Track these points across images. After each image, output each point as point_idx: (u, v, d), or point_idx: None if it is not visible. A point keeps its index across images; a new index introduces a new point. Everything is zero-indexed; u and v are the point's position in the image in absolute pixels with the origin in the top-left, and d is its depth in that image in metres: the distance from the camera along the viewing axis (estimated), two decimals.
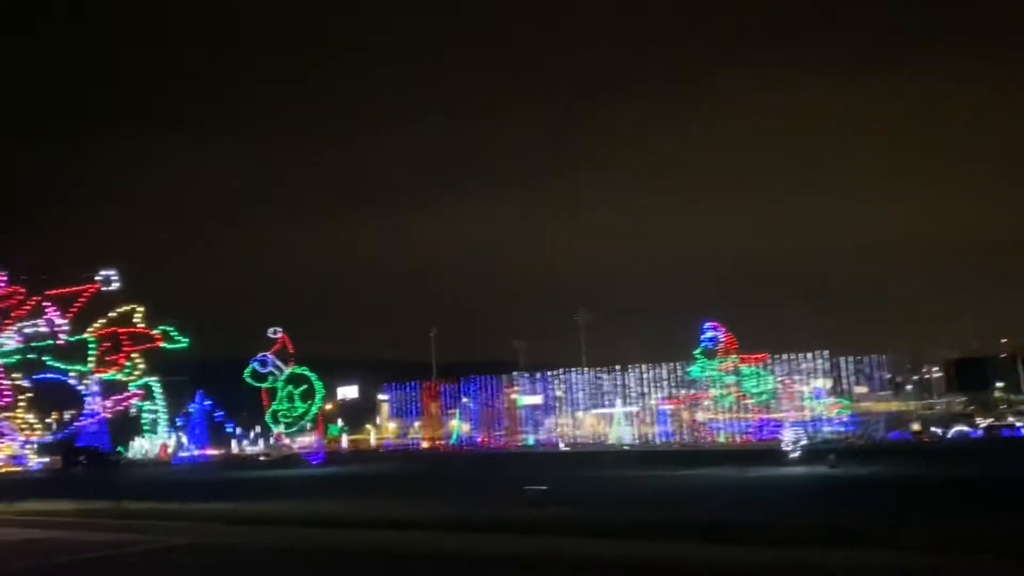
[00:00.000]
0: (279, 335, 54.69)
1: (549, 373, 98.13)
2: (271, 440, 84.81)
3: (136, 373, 28.76)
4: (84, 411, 28.95)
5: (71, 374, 28.69)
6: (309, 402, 55.96)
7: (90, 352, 28.69)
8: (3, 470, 28.35)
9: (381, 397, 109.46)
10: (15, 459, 28.71)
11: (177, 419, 72.71)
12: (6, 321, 28.84)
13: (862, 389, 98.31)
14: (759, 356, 56.22)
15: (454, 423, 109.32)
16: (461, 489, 28.12)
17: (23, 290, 28.72)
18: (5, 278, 28.41)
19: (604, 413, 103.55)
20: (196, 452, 73.75)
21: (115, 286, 28.64)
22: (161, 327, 28.94)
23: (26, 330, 29.01)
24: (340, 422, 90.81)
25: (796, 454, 33.79)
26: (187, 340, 28.99)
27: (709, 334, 53.80)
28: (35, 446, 29.63)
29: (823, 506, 19.62)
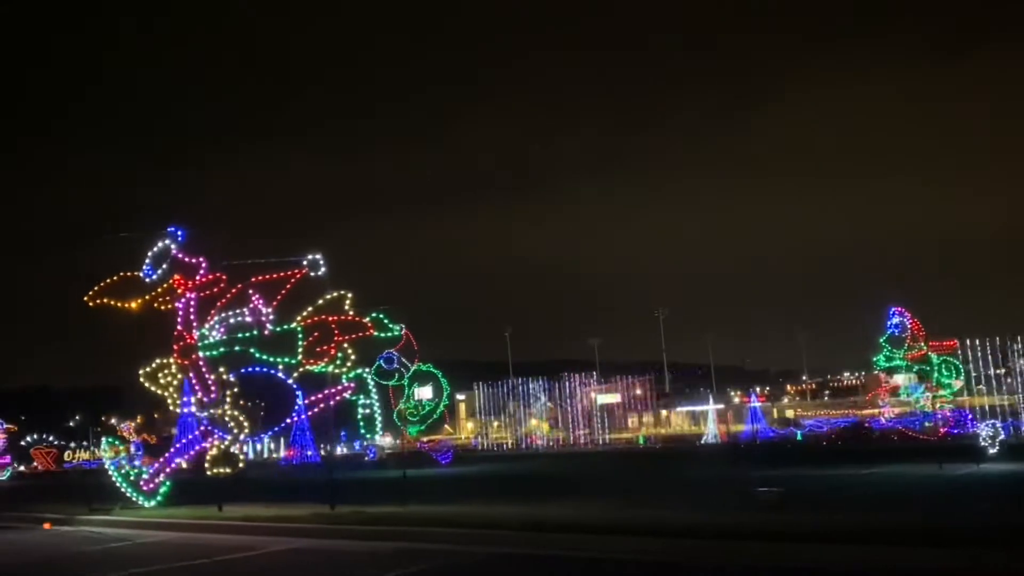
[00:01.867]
0: (403, 331, 51.83)
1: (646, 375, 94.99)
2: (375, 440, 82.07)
3: (348, 364, 25.70)
4: (297, 407, 25.95)
5: (279, 367, 25.71)
6: (436, 400, 53.00)
7: (298, 343, 25.71)
8: (217, 473, 25.42)
9: (459, 397, 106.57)
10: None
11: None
12: (209, 311, 25.90)
13: (958, 383, 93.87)
14: (949, 343, 52.26)
15: (535, 422, 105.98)
16: (665, 491, 24.93)
17: (225, 277, 25.75)
18: (206, 265, 25.46)
19: (694, 410, 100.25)
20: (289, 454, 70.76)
21: (322, 272, 25.61)
22: (372, 314, 25.88)
23: (230, 320, 26.06)
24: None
25: (995, 449, 31.88)
26: (400, 328, 25.91)
27: (895, 320, 49.89)
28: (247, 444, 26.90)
29: None
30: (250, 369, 26.03)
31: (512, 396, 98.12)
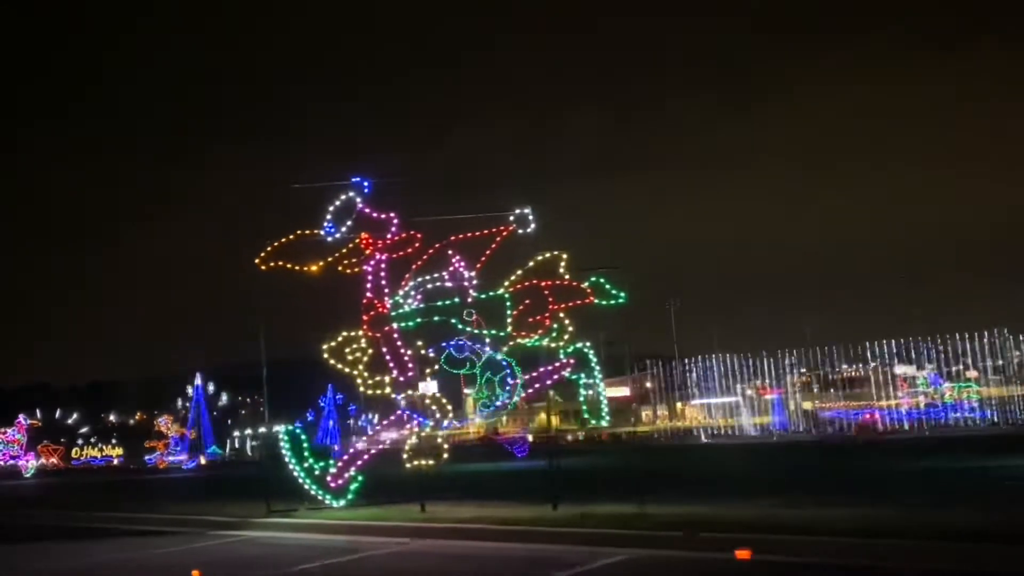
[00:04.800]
0: (474, 318, 47.06)
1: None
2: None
3: (566, 337, 21.01)
4: (506, 388, 21.24)
5: (486, 340, 20.97)
6: (510, 389, 48.25)
7: (507, 312, 21.03)
8: (419, 465, 20.58)
9: (466, 391, 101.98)
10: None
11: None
12: (403, 276, 21.05)
13: (973, 373, 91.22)
14: None
15: (543, 416, 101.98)
16: (858, 487, 19.67)
17: (420, 235, 20.90)
18: (398, 221, 20.61)
19: (710, 403, 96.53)
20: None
21: (532, 228, 20.94)
22: (592, 279, 21.18)
23: (427, 286, 21.24)
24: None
25: None
26: (625, 295, 21.22)
27: None
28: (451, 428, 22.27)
29: None
30: (452, 343, 21.32)
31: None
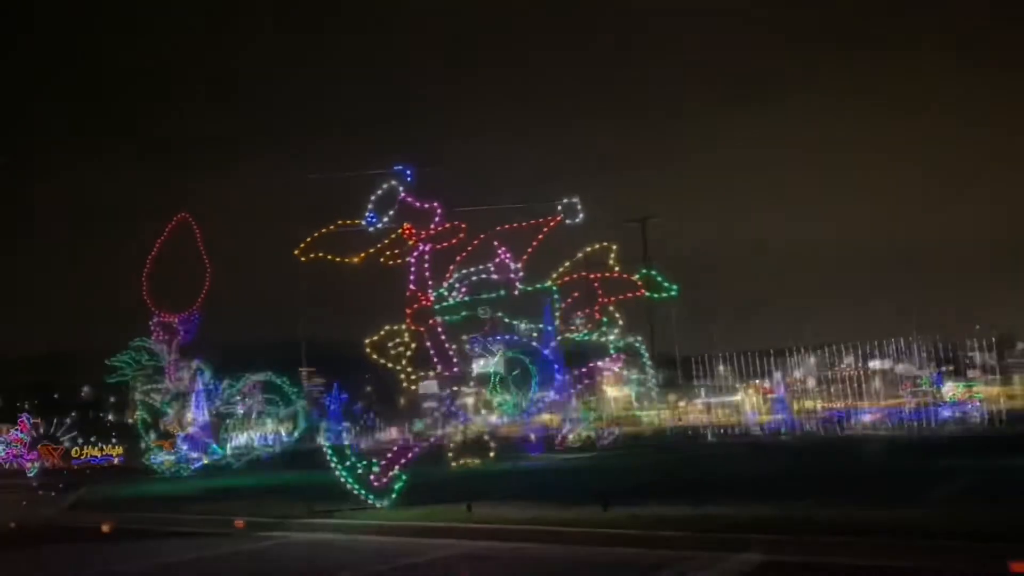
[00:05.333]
0: (487, 315, 46.19)
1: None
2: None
3: (616, 331, 20.14)
4: (555, 384, 20.38)
5: (533, 334, 20.10)
6: (524, 388, 47.48)
7: (555, 305, 20.14)
8: (465, 463, 19.70)
9: (465, 390, 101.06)
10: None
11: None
12: (447, 267, 20.15)
13: (974, 373, 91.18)
14: None
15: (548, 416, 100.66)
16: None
17: (464, 226, 20.00)
18: (441, 211, 19.70)
19: (710, 402, 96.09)
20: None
21: (580, 218, 20.07)
22: (643, 271, 20.34)
23: (472, 278, 20.36)
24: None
25: None
26: (677, 288, 20.37)
27: None
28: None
29: None
30: (498, 338, 20.50)
31: None
